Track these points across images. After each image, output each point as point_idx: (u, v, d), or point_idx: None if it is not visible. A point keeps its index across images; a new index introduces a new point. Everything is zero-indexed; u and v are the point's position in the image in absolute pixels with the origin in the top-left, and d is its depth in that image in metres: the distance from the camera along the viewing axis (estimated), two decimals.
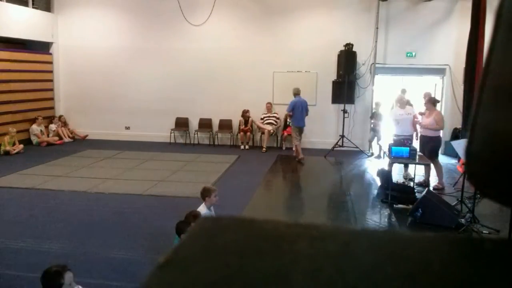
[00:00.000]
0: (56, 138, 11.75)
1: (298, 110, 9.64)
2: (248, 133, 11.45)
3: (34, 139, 11.37)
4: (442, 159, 10.31)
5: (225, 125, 11.87)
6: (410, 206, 6.20)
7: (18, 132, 10.93)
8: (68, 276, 3.10)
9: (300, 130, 9.84)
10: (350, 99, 11.08)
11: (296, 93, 9.83)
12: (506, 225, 4.99)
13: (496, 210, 5.98)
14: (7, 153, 10.08)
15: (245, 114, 11.45)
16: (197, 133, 11.90)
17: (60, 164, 9.32)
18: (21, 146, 10.50)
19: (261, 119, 11.42)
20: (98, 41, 12.17)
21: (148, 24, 11.93)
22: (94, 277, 4.18)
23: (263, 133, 11.31)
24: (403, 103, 8.41)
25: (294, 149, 10.11)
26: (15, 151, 10.27)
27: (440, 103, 10.64)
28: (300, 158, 9.81)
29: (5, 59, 10.87)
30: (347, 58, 10.77)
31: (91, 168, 8.93)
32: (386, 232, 0.45)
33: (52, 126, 11.92)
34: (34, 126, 11.39)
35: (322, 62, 11.19)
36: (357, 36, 10.92)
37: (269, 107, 11.41)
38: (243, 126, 11.46)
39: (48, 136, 11.73)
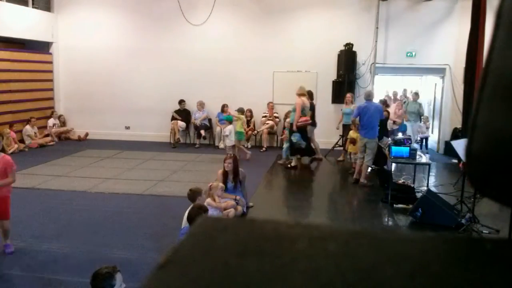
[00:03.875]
0: (49, 138, 11.54)
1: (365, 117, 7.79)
2: (250, 132, 11.46)
3: (28, 140, 11.05)
4: (443, 158, 10.33)
5: None
6: (410, 206, 6.20)
7: (18, 132, 10.91)
8: (119, 277, 3.08)
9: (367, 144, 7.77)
10: None
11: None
12: (506, 225, 4.99)
13: (496, 210, 5.99)
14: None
15: (246, 114, 11.46)
16: (196, 133, 11.90)
17: (60, 164, 9.32)
18: (16, 146, 10.43)
19: (263, 117, 11.46)
20: (98, 41, 12.17)
21: (148, 24, 11.93)
22: None
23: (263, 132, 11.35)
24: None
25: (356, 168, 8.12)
26: (10, 151, 10.24)
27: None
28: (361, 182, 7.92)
29: (5, 59, 10.87)
30: (347, 58, 10.78)
31: (91, 168, 8.93)
32: (386, 232, 0.45)
33: (51, 121, 11.80)
34: (28, 127, 11.09)
35: (322, 62, 11.19)
36: (357, 36, 10.92)
37: (271, 106, 11.44)
38: (245, 126, 11.48)
39: (47, 135, 11.71)
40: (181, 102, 11.80)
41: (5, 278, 4.26)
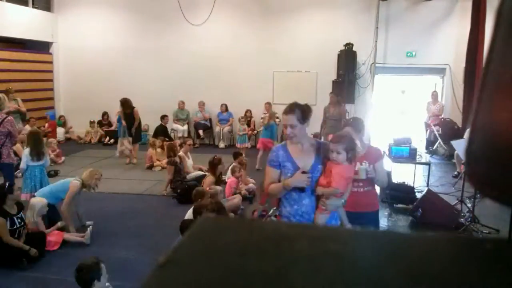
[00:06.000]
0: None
1: None
2: (250, 132, 11.45)
3: None
4: (443, 158, 10.32)
5: None
6: (410, 206, 6.20)
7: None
8: (104, 268, 3.17)
9: None
10: (350, 99, 11.06)
11: None
12: (506, 225, 4.98)
13: (496, 210, 5.98)
14: None
15: (246, 114, 11.45)
16: (196, 133, 11.90)
17: (60, 164, 9.31)
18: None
19: (261, 118, 11.43)
20: (98, 41, 12.16)
21: (148, 24, 11.93)
22: None
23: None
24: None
25: None
26: None
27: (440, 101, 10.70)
28: None
29: (5, 59, 10.87)
30: (347, 58, 10.77)
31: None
32: (386, 232, 0.45)
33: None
34: (27, 127, 10.04)
35: (322, 62, 11.19)
36: (357, 35, 10.91)
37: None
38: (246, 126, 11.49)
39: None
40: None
41: (5, 278, 4.26)
